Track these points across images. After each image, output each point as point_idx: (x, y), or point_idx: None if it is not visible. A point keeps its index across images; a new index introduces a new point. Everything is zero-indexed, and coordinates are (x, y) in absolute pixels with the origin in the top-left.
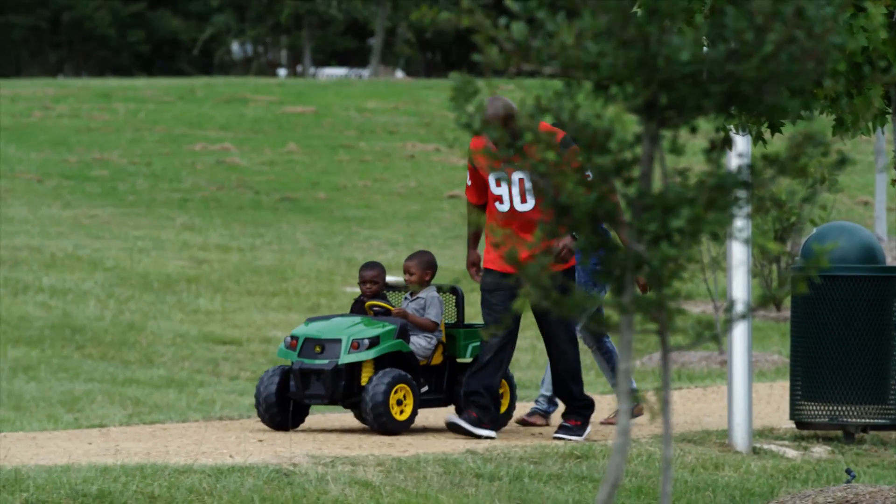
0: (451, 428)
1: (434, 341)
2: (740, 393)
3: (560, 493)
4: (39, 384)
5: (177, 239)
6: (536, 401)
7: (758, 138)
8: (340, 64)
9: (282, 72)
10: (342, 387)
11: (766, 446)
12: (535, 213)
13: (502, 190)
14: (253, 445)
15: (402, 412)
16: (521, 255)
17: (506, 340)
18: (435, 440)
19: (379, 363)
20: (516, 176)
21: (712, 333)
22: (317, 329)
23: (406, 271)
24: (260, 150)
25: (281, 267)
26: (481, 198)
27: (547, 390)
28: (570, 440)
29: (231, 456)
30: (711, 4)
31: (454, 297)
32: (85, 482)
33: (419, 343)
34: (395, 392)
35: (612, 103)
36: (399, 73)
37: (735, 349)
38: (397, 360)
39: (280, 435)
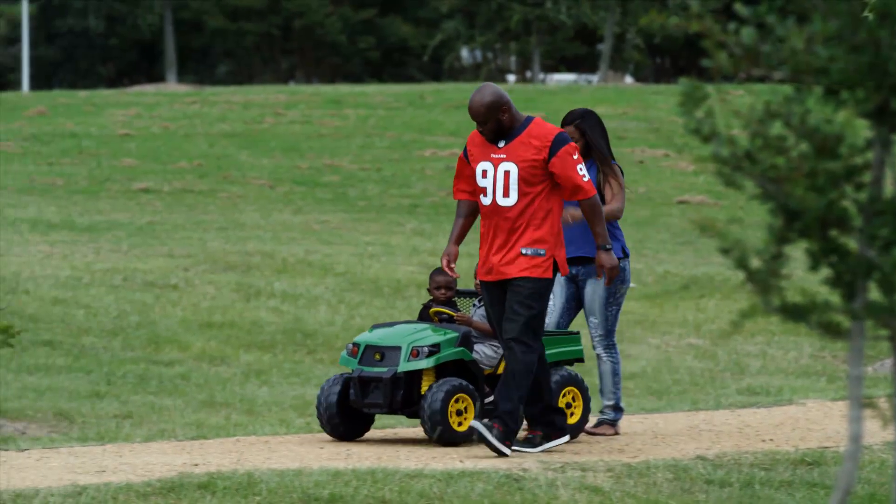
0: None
1: (501, 350)
2: None
3: (791, 500)
4: (272, 388)
5: (407, 244)
6: (602, 411)
7: None
8: (569, 69)
9: (511, 77)
10: (401, 396)
11: None
12: (515, 209)
13: (487, 182)
14: (482, 450)
15: (461, 423)
16: (494, 258)
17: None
18: (666, 446)
19: (441, 372)
20: (502, 169)
21: None
22: (378, 336)
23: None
24: None
25: None
26: (473, 193)
27: (608, 399)
28: (526, 452)
29: (461, 461)
30: None
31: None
32: (317, 486)
33: (484, 351)
34: (455, 402)
35: (843, 108)
36: (628, 79)
37: None
38: (460, 369)
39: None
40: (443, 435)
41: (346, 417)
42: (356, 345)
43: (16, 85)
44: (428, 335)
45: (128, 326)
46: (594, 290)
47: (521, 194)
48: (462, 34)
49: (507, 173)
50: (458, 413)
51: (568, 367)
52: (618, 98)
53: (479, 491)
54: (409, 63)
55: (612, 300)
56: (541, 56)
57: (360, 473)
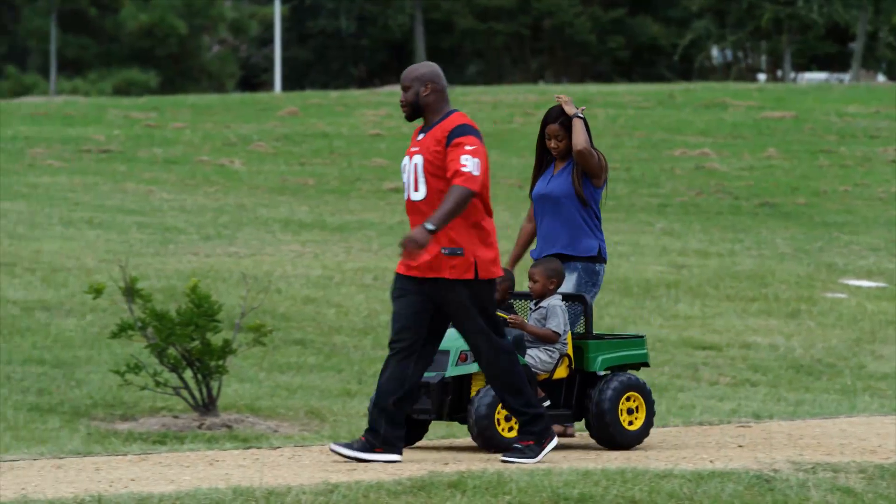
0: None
1: (556, 354)
2: None
3: None
4: None
5: (656, 244)
6: None
7: None
8: (820, 68)
9: (761, 76)
10: (449, 401)
11: None
12: (424, 203)
13: (405, 176)
14: (733, 451)
15: (510, 429)
16: (421, 257)
17: (407, 353)
18: None
19: None
20: (413, 161)
21: None
22: None
23: (530, 278)
24: (739, 155)
25: (760, 272)
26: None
27: None
28: (519, 463)
29: (711, 461)
30: None
31: (582, 306)
32: (566, 486)
33: (539, 356)
34: (504, 407)
35: None
36: (880, 77)
37: None
38: None
39: (761, 440)
40: (490, 440)
41: None
42: None
43: (268, 85)
44: None
45: (378, 325)
46: (564, 286)
47: (428, 188)
48: (712, 33)
49: (416, 166)
50: (507, 419)
51: (633, 372)
52: (870, 97)
53: (730, 492)
54: (658, 62)
55: None
56: (792, 55)
57: (609, 473)
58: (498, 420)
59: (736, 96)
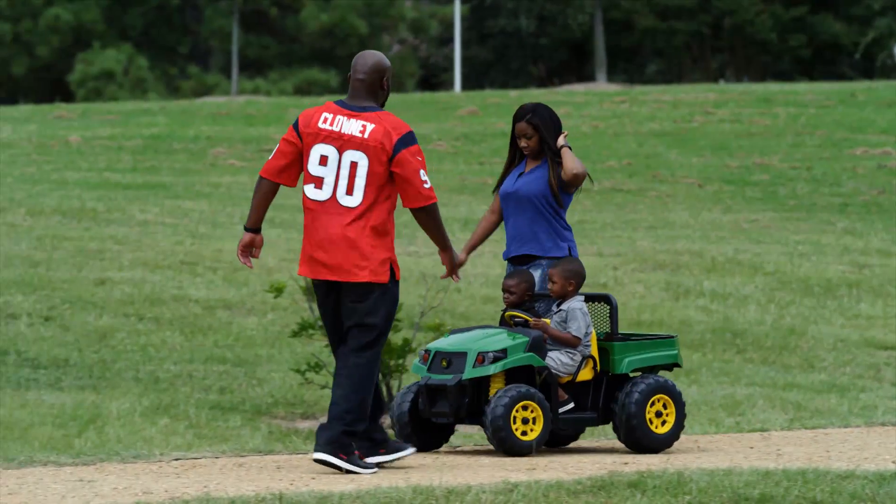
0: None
1: (578, 357)
2: None
3: None
4: (701, 388)
5: (837, 244)
6: None
7: None
8: None
9: None
10: (466, 404)
11: None
12: None
13: None
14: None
15: (528, 432)
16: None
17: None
18: None
19: (513, 379)
20: None
21: None
22: (448, 342)
23: (549, 279)
24: None
25: None
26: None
27: None
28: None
29: (894, 462)
30: None
31: (608, 307)
32: (747, 486)
33: (560, 359)
34: (520, 409)
35: None
36: None
37: None
38: (532, 376)
39: None
40: (506, 444)
41: (418, 428)
42: (427, 351)
43: (448, 85)
44: (497, 340)
45: None
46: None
47: None
48: (895, 31)
49: None
50: (525, 421)
51: (664, 373)
52: None
53: None
54: (840, 60)
55: None
56: None
57: (790, 474)
58: (515, 423)
59: None
